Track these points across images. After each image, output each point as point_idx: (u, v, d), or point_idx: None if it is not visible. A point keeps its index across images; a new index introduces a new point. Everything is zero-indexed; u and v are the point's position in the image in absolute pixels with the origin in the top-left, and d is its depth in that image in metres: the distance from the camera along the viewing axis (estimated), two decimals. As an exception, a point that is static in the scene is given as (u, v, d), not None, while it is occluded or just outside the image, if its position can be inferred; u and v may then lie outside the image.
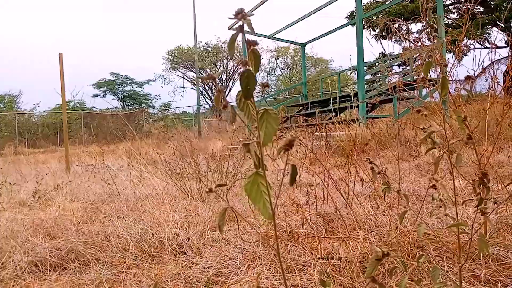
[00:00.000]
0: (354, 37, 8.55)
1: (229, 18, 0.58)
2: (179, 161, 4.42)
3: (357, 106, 8.17)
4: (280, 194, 2.95)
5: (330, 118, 9.30)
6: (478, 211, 0.90)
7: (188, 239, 2.10)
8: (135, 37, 69.02)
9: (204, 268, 1.76)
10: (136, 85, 38.16)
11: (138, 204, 3.23)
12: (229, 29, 12.57)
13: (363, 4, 14.81)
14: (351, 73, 18.89)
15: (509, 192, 2.68)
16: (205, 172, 4.21)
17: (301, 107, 13.66)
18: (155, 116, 31.31)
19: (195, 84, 38.18)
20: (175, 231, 2.22)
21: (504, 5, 14.65)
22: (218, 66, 38.53)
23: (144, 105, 37.90)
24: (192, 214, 2.56)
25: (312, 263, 1.65)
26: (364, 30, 16.22)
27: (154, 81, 38.49)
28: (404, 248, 1.70)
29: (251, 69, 0.58)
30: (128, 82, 37.71)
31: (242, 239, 2.01)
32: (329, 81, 13.27)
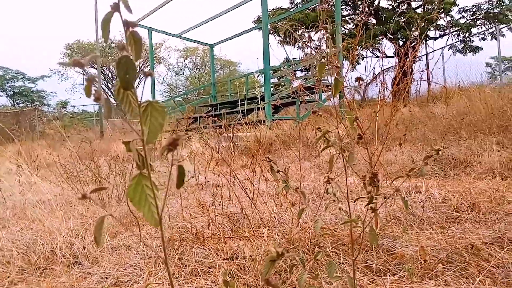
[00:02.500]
0: (261, 41, 8.78)
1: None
2: (77, 164, 4.10)
3: (263, 108, 8.40)
4: (186, 195, 2.89)
5: (239, 120, 9.42)
6: (369, 207, 0.97)
7: (84, 247, 1.95)
8: (28, 30, 62.58)
9: (102, 278, 1.64)
10: (28, 81, 34.60)
11: (27, 211, 2.91)
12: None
13: (269, 10, 15.29)
14: (258, 76, 19.42)
15: (395, 187, 2.95)
16: (106, 175, 3.96)
17: (210, 108, 13.64)
18: (51, 115, 28.71)
19: (96, 81, 35.84)
20: (69, 240, 2.04)
21: (393, 18, 16.31)
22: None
23: (38, 103, 34.54)
24: (89, 220, 2.37)
25: (217, 264, 1.63)
26: (270, 35, 16.78)
27: (49, 77, 35.24)
28: (305, 244, 1.77)
29: (131, 55, 0.52)
30: (20, 77, 34.04)
31: (144, 244, 1.92)
32: (237, 83, 13.45)
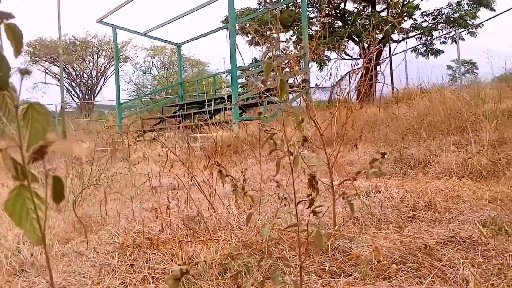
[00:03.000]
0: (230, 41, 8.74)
1: None
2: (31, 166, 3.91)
3: (231, 109, 8.36)
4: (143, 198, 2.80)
5: (206, 120, 9.32)
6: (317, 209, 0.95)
7: (32, 254, 1.84)
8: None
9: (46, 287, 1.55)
10: (-15, 78, 32.93)
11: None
12: (97, 22, 11.71)
13: (236, 10, 15.26)
14: (226, 76, 19.32)
15: (354, 187, 2.99)
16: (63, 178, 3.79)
17: (177, 108, 13.46)
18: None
19: (59, 80, 34.64)
20: (16, 247, 1.93)
21: (358, 21, 16.66)
22: (87, 62, 35.61)
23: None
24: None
25: (171, 270, 1.58)
26: (238, 35, 16.76)
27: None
28: (261, 247, 1.75)
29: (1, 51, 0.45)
30: (-25, 74, 32.34)
31: (95, 250, 1.84)
32: (204, 83, 13.33)
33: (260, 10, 14.98)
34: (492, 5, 14.82)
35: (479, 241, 1.84)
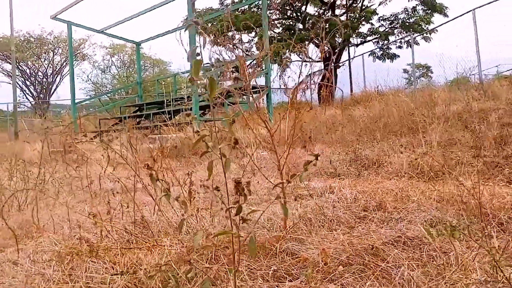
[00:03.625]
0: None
1: None
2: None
3: (191, 109, 8.23)
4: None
5: (165, 121, 9.13)
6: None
7: (-41, 266, 1.70)
8: None
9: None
10: None
11: None
12: (51, 18, 11.22)
13: (198, 10, 15.09)
14: (188, 76, 18.97)
15: (307, 188, 3.00)
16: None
17: (137, 108, 13.13)
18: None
19: (12, 78, 32.93)
20: None
21: (319, 24, 16.94)
22: (42, 59, 34.08)
23: None
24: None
25: (109, 279, 1.50)
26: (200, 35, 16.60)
27: (-42, 72, 31.62)
28: (209, 252, 1.70)
29: None
30: None
31: (32, 259, 1.72)
32: (163, 83, 13.07)
33: (221, 10, 14.91)
34: (445, 11, 15.52)
35: (425, 241, 1.88)
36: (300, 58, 18.35)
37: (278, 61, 14.54)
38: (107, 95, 28.15)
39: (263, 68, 9.85)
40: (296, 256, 1.72)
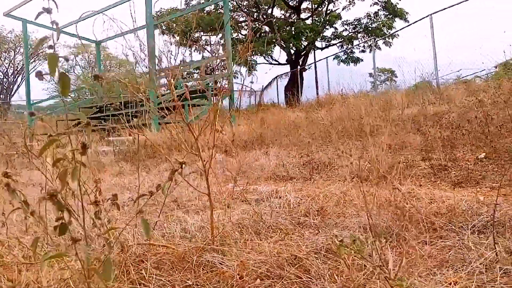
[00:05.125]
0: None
1: None
2: None
3: (149, 111, 8.00)
4: None
5: (125, 122, 8.81)
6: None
7: None
8: None
9: None
10: None
11: None
12: (4, 15, 10.70)
13: (163, 10, 14.80)
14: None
15: (255, 192, 2.90)
16: None
17: (97, 110, 12.69)
18: None
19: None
20: None
21: (285, 27, 16.99)
22: (3, 59, 32.63)
23: None
24: None
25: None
26: (165, 35, 16.32)
27: None
28: (124, 262, 1.56)
29: None
30: None
31: None
32: (129, 84, 12.66)
33: (185, 10, 14.68)
34: (406, 17, 15.93)
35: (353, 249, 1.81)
36: (266, 60, 18.39)
37: (244, 63, 14.48)
38: (71, 96, 27.24)
39: (226, 70, 9.75)
40: (215, 269, 1.62)
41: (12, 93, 33.87)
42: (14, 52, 32.90)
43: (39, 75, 0.89)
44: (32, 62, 32.68)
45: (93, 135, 9.65)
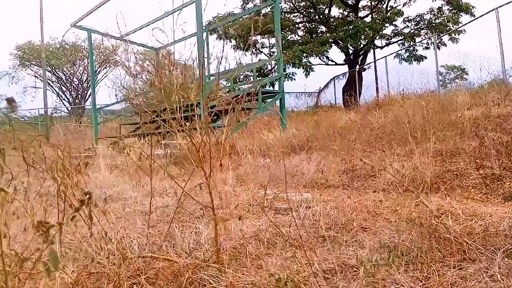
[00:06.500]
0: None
1: None
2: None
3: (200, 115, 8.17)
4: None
5: (181, 126, 9.09)
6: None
7: None
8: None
9: None
10: (-24, 83, 32.69)
11: None
12: (72, 26, 11.53)
13: (220, 15, 15.11)
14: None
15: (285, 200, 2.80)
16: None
17: (156, 114, 13.24)
18: (-2, 119, 27.37)
19: (50, 84, 34.50)
20: None
21: (342, 27, 16.54)
22: (77, 66, 35.39)
23: (-16, 106, 32.68)
24: None
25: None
26: (221, 40, 16.64)
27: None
28: (119, 275, 1.56)
29: None
30: (-33, 79, 32.12)
31: None
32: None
33: (241, 14, 14.83)
34: (472, 11, 14.74)
35: (362, 272, 1.66)
36: (323, 61, 18.01)
37: (297, 64, 14.30)
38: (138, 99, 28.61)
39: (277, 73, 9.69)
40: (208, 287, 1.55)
41: (87, 98, 36.48)
42: (87, 60, 35.42)
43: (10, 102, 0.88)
44: (104, 68, 35.09)
45: (149, 139, 10.05)
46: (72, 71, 35.26)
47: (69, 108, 34.68)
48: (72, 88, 35.71)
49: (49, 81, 34.46)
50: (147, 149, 7.59)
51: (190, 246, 2.06)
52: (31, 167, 1.98)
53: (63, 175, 1.55)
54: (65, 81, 35.57)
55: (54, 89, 35.32)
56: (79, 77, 35.79)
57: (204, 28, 15.68)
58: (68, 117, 30.35)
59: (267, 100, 9.34)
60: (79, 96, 35.72)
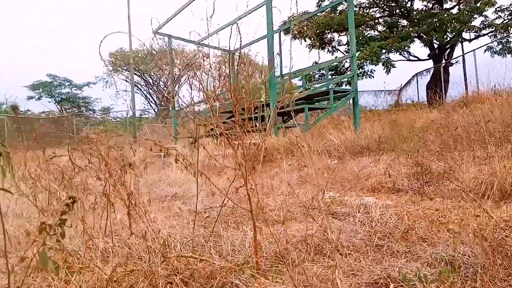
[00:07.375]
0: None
1: None
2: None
3: (269, 116, 8.21)
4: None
5: (252, 126, 9.25)
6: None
7: None
8: (74, 39, 65.93)
9: None
10: (75, 88, 36.49)
11: None
12: (153, 33, 12.31)
13: (296, 14, 15.06)
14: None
15: (345, 204, 2.70)
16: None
17: (230, 114, 13.61)
18: (93, 121, 30.29)
19: (138, 88, 37.32)
20: None
21: (426, 20, 15.46)
22: (164, 70, 37.78)
23: (84, 108, 36.38)
24: None
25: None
26: (296, 40, 16.54)
27: (95, 83, 36.82)
28: (154, 273, 1.61)
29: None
30: (67, 84, 35.97)
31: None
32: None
33: (315, 11, 14.56)
34: None
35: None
36: (404, 57, 17.01)
37: (375, 61, 13.67)
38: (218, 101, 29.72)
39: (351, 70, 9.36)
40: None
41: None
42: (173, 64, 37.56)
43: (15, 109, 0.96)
44: (188, 71, 36.89)
45: (222, 139, 10.31)
46: (159, 75, 37.72)
47: (156, 110, 37.14)
48: (159, 91, 38.20)
49: (138, 85, 37.28)
50: (220, 149, 7.79)
51: (235, 248, 2.05)
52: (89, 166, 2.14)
53: (109, 176, 1.64)
54: (152, 84, 38.12)
55: (143, 92, 38.04)
56: (165, 80, 38.17)
57: (278, 28, 15.77)
58: (155, 118, 32.61)
59: (342, 99, 9.06)
60: (165, 98, 38.04)
